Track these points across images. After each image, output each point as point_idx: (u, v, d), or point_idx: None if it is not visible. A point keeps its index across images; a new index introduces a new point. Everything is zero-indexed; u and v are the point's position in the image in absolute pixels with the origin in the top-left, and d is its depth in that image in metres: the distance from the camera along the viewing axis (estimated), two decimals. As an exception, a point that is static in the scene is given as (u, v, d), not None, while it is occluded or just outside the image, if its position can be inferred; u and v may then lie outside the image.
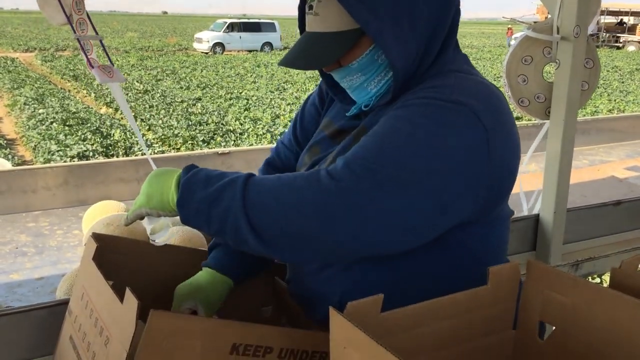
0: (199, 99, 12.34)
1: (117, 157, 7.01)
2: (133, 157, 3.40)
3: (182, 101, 11.69)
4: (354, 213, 0.97)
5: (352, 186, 0.97)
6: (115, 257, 1.27)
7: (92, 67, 2.04)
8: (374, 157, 1.00)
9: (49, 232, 2.10)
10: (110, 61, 2.14)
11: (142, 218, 1.14)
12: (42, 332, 1.32)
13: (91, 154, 7.10)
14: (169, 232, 1.26)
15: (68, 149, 7.22)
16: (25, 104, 10.69)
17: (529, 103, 2.05)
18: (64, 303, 1.30)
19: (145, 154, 2.31)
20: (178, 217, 1.09)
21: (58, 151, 7.13)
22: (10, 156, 7.03)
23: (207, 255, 1.35)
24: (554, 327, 1.05)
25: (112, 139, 7.95)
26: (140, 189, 1.14)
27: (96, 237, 1.22)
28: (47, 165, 2.49)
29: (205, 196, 1.02)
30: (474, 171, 1.03)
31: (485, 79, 1.15)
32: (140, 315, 0.93)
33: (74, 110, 10.12)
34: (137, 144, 7.76)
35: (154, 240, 1.21)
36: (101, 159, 4.80)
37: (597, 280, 3.75)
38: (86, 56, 2.04)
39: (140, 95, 12.46)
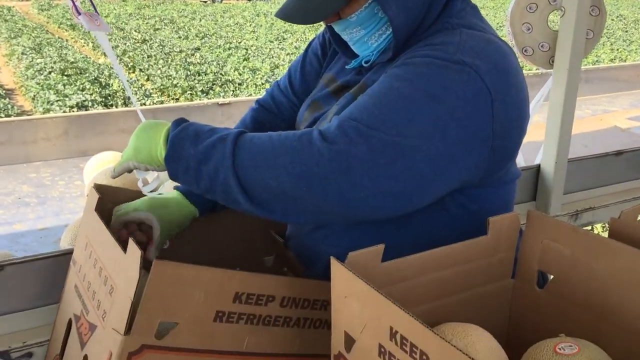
0: (198, 48, 12.18)
1: (116, 107, 7.01)
2: (133, 108, 3.38)
3: (180, 51, 11.54)
4: (345, 177, 0.94)
5: (345, 149, 0.94)
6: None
7: (79, 14, 2.00)
8: (369, 120, 0.96)
9: (50, 183, 2.11)
10: (96, 10, 2.08)
11: (130, 171, 1.12)
12: (47, 281, 1.33)
13: (90, 104, 7.03)
14: (159, 182, 1.26)
15: (67, 99, 7.15)
16: (23, 53, 10.57)
17: (532, 52, 2.02)
18: (68, 253, 1.31)
19: (133, 104, 2.30)
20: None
21: (57, 101, 7.05)
22: (9, 106, 6.99)
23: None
24: (552, 276, 1.06)
25: (110, 89, 7.89)
26: (129, 141, 1.11)
27: (98, 188, 1.22)
28: (47, 115, 2.47)
29: (194, 153, 0.99)
30: (476, 136, 0.99)
31: (496, 35, 1.10)
32: (143, 265, 0.94)
33: (72, 60, 10.00)
34: (137, 93, 7.72)
35: (146, 192, 1.22)
36: (101, 110, 4.78)
37: (597, 230, 3.78)
38: (73, 2, 1.99)
39: (138, 44, 12.29)
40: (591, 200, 2.16)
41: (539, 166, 2.00)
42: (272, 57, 11.11)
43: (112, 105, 7.26)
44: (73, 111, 6.74)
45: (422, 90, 0.97)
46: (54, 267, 1.33)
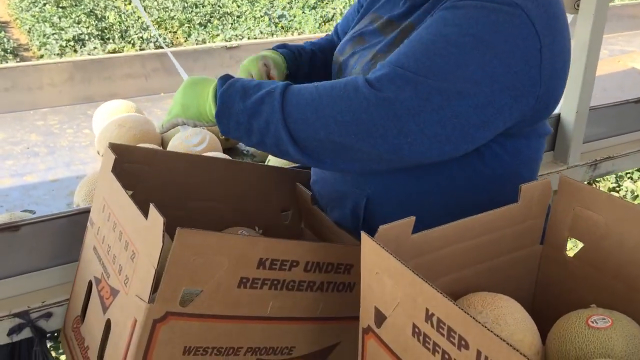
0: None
1: (113, 41, 6.90)
2: (139, 52, 3.29)
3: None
4: (393, 124, 0.94)
5: (392, 96, 0.94)
6: (133, 167, 1.25)
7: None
8: (416, 67, 0.95)
9: (59, 131, 2.06)
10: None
11: (175, 126, 1.16)
12: (64, 241, 1.32)
13: (86, 37, 6.91)
14: (203, 134, 1.33)
15: (63, 32, 7.03)
16: (16, -16, 10.26)
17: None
18: (84, 212, 1.29)
19: (162, 47, 2.23)
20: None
21: (53, 34, 6.95)
22: (5, 39, 6.86)
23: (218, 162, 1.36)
24: (582, 244, 1.04)
25: (106, 21, 7.72)
26: (174, 97, 1.14)
27: (113, 147, 1.19)
28: (52, 61, 2.40)
29: (244, 109, 1.01)
30: (525, 82, 0.98)
31: None
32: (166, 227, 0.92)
33: (67, -10, 9.71)
34: (133, 27, 7.55)
35: (190, 145, 1.24)
36: (107, 54, 4.66)
37: (613, 180, 3.74)
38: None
39: (136, -25, 11.89)
40: (610, 149, 2.11)
41: (559, 115, 1.95)
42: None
43: (108, 39, 7.13)
44: (70, 44, 6.69)
45: (470, 35, 0.95)
46: (70, 226, 1.31)
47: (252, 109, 1.01)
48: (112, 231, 1.10)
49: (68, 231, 1.31)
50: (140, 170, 1.26)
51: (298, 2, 9.15)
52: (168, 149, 1.75)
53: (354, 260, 1.04)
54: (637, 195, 3.72)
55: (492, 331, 0.64)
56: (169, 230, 1.25)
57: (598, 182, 3.75)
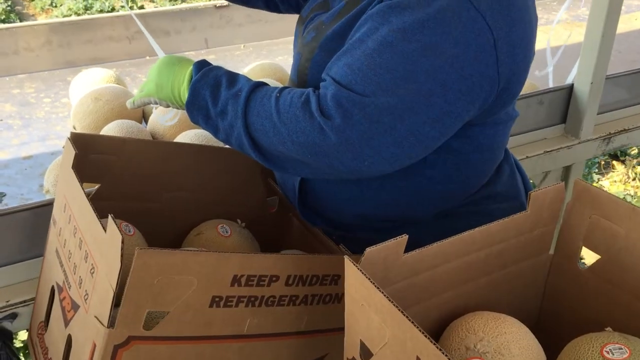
0: None
1: None
2: (121, 13, 3.09)
3: None
4: (347, 150, 0.90)
5: (342, 124, 0.89)
6: (100, 157, 1.13)
7: None
8: (363, 84, 0.89)
9: (35, 101, 1.93)
10: None
11: (148, 104, 1.14)
12: (29, 234, 1.22)
13: None
14: (175, 111, 1.30)
15: None
16: None
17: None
18: (48, 204, 1.18)
19: (126, 8, 2.06)
20: None
21: None
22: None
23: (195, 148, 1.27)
24: (598, 256, 0.92)
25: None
26: (149, 73, 1.12)
27: (75, 138, 1.06)
28: (27, 23, 2.24)
29: (212, 105, 0.99)
30: (482, 83, 0.90)
31: None
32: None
33: None
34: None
35: (163, 122, 1.26)
36: (86, 16, 4.46)
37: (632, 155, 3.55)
38: None
39: None
40: (625, 120, 1.97)
41: (571, 86, 1.80)
42: None
43: None
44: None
45: (417, 40, 0.88)
46: (35, 219, 1.21)
47: (219, 108, 0.99)
48: (73, 236, 0.99)
49: (32, 225, 1.21)
50: (108, 160, 1.15)
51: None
52: (149, 123, 1.63)
53: (342, 270, 0.93)
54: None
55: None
56: (143, 225, 1.15)
57: (622, 160, 3.52)
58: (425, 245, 0.81)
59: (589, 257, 1.00)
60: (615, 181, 3.34)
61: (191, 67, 1.04)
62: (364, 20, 0.94)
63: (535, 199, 0.88)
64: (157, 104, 1.12)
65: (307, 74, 1.05)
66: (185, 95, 1.03)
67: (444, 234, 0.85)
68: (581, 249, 0.93)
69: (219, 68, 1.03)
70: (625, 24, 2.81)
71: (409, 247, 0.79)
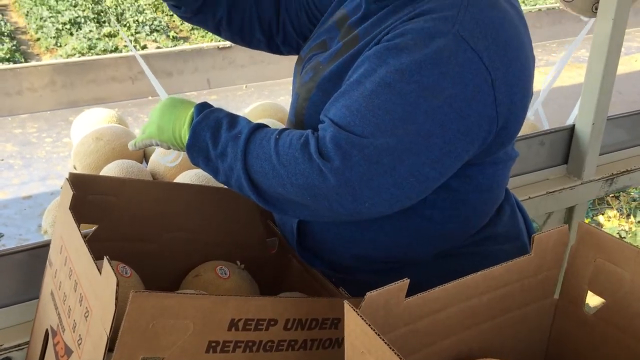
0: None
1: (109, 24, 6.99)
2: (125, 54, 3.13)
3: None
4: (347, 192, 0.90)
5: (341, 166, 0.89)
6: (98, 198, 1.12)
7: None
8: (361, 126, 0.89)
9: (37, 140, 1.94)
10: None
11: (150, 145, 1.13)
12: (25, 276, 1.20)
13: (82, 20, 6.94)
14: (177, 152, 1.28)
15: (59, 14, 7.12)
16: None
17: (572, -4, 1.78)
18: (45, 245, 1.17)
19: (131, 50, 2.09)
20: None
21: (50, 17, 7.00)
22: (3, 22, 6.84)
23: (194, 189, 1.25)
24: (604, 300, 0.90)
25: (103, 4, 7.66)
26: (150, 115, 1.12)
27: (74, 179, 1.06)
28: (32, 64, 2.27)
29: (213, 148, 0.99)
30: (481, 123, 0.91)
31: None
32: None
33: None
34: (129, 9, 7.45)
35: (166, 163, 1.25)
36: (90, 56, 4.56)
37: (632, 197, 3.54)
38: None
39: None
40: (628, 161, 1.97)
41: (573, 127, 1.80)
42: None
43: (104, 22, 7.17)
44: (66, 28, 6.72)
45: (415, 82, 0.88)
46: (31, 260, 1.19)
47: (219, 150, 0.98)
48: (68, 278, 0.97)
49: (29, 265, 1.19)
50: (107, 201, 1.13)
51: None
52: (149, 163, 1.63)
53: (342, 313, 0.91)
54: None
55: None
56: (141, 266, 1.13)
57: (617, 195, 3.52)
58: (425, 286, 0.79)
59: (593, 301, 0.98)
60: (610, 217, 3.33)
61: (192, 109, 1.04)
62: (362, 62, 0.95)
63: (539, 242, 0.86)
64: (158, 145, 1.11)
65: (304, 113, 1.05)
66: (186, 137, 1.02)
67: (444, 274, 0.83)
68: (586, 293, 0.91)
69: (220, 110, 1.03)
70: (626, 65, 2.83)
71: (409, 289, 0.77)
